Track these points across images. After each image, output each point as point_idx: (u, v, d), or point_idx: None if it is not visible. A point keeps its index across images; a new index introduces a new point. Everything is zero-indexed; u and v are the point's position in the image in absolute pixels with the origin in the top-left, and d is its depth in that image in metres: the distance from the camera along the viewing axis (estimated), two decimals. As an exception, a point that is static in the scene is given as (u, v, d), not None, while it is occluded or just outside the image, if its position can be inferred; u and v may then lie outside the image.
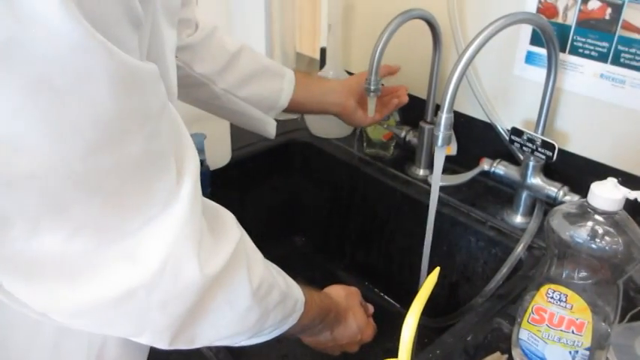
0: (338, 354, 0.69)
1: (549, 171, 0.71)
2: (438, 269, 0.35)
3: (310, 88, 0.79)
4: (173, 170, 0.35)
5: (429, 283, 0.32)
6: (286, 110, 0.79)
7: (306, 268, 1.00)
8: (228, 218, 0.43)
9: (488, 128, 0.79)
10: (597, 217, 0.45)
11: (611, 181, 0.45)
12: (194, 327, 0.40)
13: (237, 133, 0.88)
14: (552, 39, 0.62)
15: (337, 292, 0.67)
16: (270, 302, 0.46)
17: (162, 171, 0.34)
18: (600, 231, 0.45)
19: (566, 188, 0.69)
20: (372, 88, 0.70)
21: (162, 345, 0.39)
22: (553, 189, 0.69)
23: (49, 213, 0.30)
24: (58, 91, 0.26)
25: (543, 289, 0.49)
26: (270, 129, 0.79)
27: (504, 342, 0.56)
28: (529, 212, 0.74)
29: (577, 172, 0.71)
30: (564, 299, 0.48)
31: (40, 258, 0.31)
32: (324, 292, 0.65)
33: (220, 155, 0.87)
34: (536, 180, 0.71)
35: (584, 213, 0.46)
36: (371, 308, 0.73)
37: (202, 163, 0.79)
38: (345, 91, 0.78)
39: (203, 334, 0.41)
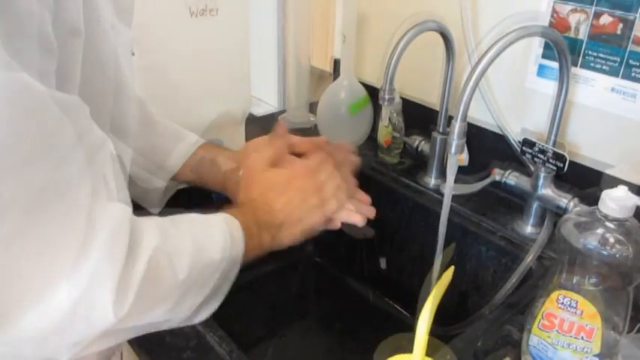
0: (332, 206, 0.62)
1: (560, 182, 0.73)
2: (452, 268, 0.36)
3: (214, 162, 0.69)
4: (84, 210, 0.34)
5: (444, 280, 0.34)
6: (179, 178, 0.69)
7: (316, 276, 1.02)
8: (141, 233, 0.40)
9: (500, 139, 0.80)
10: (608, 224, 0.47)
11: (622, 189, 0.46)
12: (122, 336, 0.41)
13: (252, 138, 0.90)
14: (564, 52, 0.64)
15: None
16: (202, 281, 0.46)
17: (72, 207, 0.33)
18: (611, 238, 0.46)
19: (576, 199, 0.70)
20: (387, 97, 0.72)
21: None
22: (564, 200, 0.71)
23: None
24: None
25: (554, 295, 0.50)
26: (153, 194, 0.68)
27: (514, 348, 0.57)
28: (539, 223, 0.75)
29: (588, 183, 0.72)
30: (575, 305, 0.49)
31: None
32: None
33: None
34: (546, 191, 0.72)
35: (595, 220, 0.48)
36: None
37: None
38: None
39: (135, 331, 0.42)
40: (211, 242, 0.48)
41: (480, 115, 0.83)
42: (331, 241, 1.02)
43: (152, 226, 0.41)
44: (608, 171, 0.71)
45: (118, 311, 0.36)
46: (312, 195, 0.60)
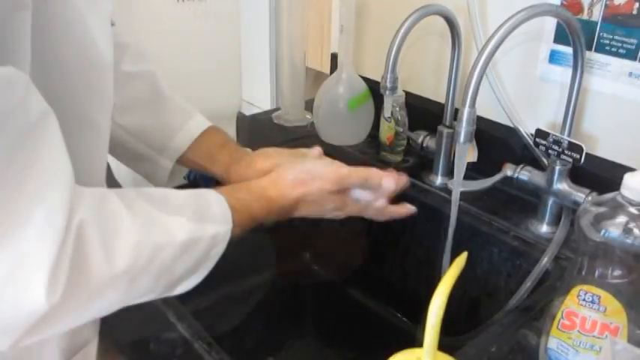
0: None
1: (576, 176, 0.72)
2: (465, 253, 0.35)
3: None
4: (15, 186, 0.34)
5: (456, 266, 0.33)
6: (185, 162, 0.69)
7: (315, 285, 1.00)
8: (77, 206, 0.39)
9: (511, 132, 0.80)
10: (632, 209, 0.46)
11: (647, 170, 0.46)
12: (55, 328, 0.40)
13: (245, 139, 0.90)
14: (578, 34, 0.63)
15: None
16: (160, 264, 0.44)
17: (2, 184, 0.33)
18: (635, 225, 0.45)
19: (594, 194, 0.69)
20: (389, 86, 0.71)
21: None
22: (581, 195, 0.70)
23: None
24: None
25: (574, 291, 0.49)
26: (160, 174, 0.68)
27: (531, 354, 0.56)
28: (555, 221, 0.74)
29: (605, 177, 0.71)
30: (597, 301, 0.48)
31: None
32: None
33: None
34: (562, 186, 0.71)
35: (617, 207, 0.47)
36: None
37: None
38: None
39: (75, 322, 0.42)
40: (173, 220, 0.46)
41: (489, 109, 0.82)
42: (330, 248, 1.01)
43: (87, 195, 0.40)
44: (627, 163, 0.70)
45: (51, 296, 0.35)
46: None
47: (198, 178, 0.79)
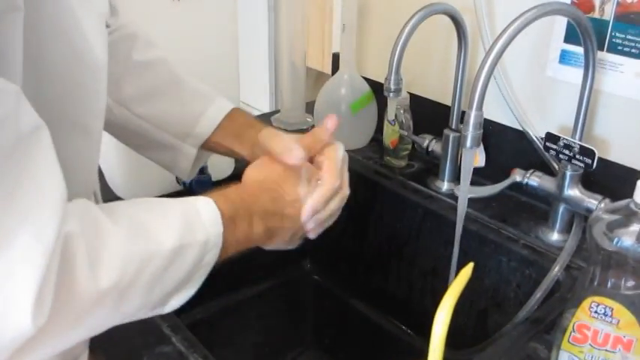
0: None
1: (588, 182, 0.72)
2: (471, 264, 0.36)
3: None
4: (3, 203, 0.34)
5: (462, 277, 0.33)
6: (210, 147, 0.69)
7: (315, 295, 1.01)
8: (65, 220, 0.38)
9: (520, 136, 0.80)
10: (645, 217, 0.46)
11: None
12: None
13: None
14: (589, 33, 0.64)
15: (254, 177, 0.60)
16: (149, 275, 0.44)
17: None
18: (649, 234, 0.46)
19: (607, 201, 0.70)
20: (393, 88, 0.72)
21: None
22: (593, 201, 0.70)
23: None
24: None
25: (586, 303, 0.50)
26: (183, 162, 0.68)
27: (542, 368, 0.56)
28: (567, 228, 0.74)
29: (619, 182, 0.72)
30: (610, 313, 0.48)
31: None
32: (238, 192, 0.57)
33: (223, 165, 0.88)
34: (574, 191, 0.71)
35: (631, 214, 0.47)
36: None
37: (204, 171, 0.81)
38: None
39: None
40: (158, 228, 0.46)
41: (498, 112, 0.83)
42: (331, 257, 1.01)
43: (70, 210, 0.39)
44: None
45: (38, 317, 0.35)
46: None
47: (194, 184, 0.80)
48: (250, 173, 0.60)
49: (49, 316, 0.36)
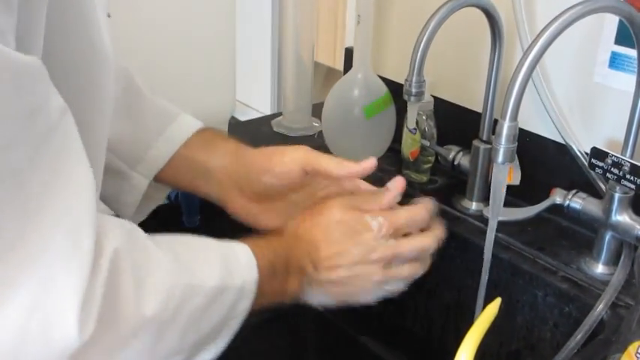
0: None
1: (640, 206, 0.73)
2: (499, 300, 0.36)
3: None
4: (35, 202, 0.35)
5: (488, 313, 0.34)
6: (163, 179, 0.66)
7: (319, 332, 1.01)
8: (105, 232, 0.40)
9: (561, 151, 0.81)
10: (703, 250, 0.47)
11: None
12: None
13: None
14: (644, 35, 0.65)
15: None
16: (189, 313, 0.46)
17: (21, 200, 0.34)
18: None
19: (662, 229, 0.70)
20: (414, 91, 0.73)
21: None
22: (645, 229, 0.71)
23: None
24: None
25: (632, 348, 0.50)
26: (129, 195, 0.65)
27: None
28: (614, 260, 0.75)
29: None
30: (661, 360, 0.49)
31: None
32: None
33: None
34: (623, 217, 0.72)
35: (687, 246, 0.48)
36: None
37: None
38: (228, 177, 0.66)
39: None
40: (201, 265, 0.49)
41: (536, 122, 0.83)
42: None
43: (117, 225, 0.42)
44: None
45: (84, 330, 0.36)
46: (378, 269, 0.64)
47: (180, 198, 0.81)
48: (291, 225, 0.63)
49: (94, 330, 0.37)
